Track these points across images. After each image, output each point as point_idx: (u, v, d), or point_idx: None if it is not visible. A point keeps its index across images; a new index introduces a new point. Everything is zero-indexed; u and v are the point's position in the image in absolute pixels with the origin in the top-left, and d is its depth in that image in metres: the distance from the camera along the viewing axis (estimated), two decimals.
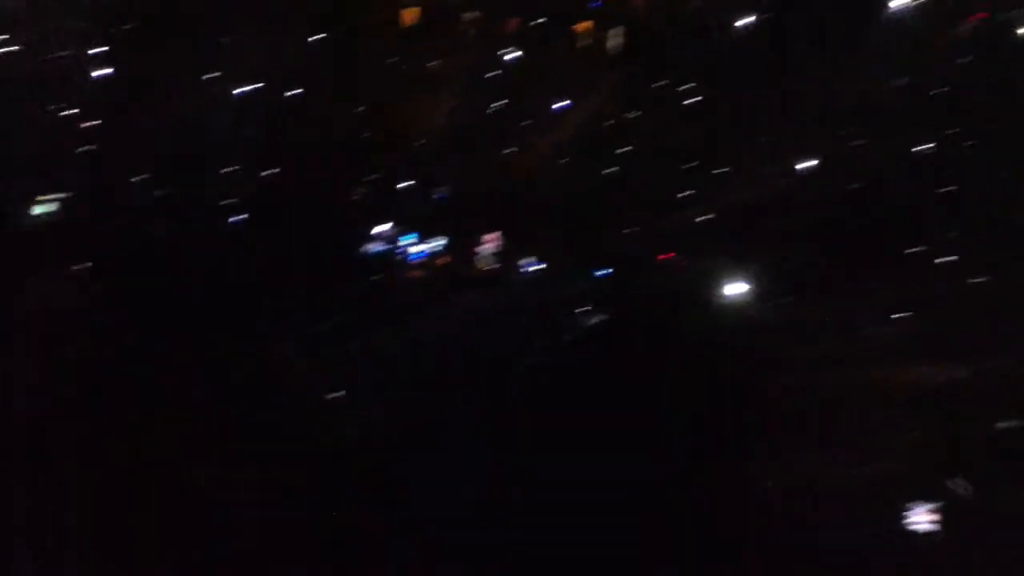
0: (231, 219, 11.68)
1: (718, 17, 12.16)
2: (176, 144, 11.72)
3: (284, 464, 10.38)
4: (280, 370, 10.91)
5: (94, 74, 12.06)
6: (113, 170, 11.68)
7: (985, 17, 11.64)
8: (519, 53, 12.35)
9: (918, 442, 10.29)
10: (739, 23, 12.06)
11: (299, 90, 12.03)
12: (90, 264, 11.18)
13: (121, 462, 10.23)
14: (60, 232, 11.38)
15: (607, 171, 11.96)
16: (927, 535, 10.00)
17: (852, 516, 10.08)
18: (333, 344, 11.11)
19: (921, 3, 11.71)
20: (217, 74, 11.97)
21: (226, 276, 11.41)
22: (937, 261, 10.91)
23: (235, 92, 12.03)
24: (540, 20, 12.35)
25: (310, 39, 12.10)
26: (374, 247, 12.02)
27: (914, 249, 10.96)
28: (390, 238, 12.04)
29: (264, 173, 11.78)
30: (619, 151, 11.87)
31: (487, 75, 12.38)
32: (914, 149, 11.33)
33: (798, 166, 11.48)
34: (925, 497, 10.07)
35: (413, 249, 12.06)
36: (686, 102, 12.05)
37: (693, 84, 12.00)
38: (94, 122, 11.81)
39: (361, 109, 12.13)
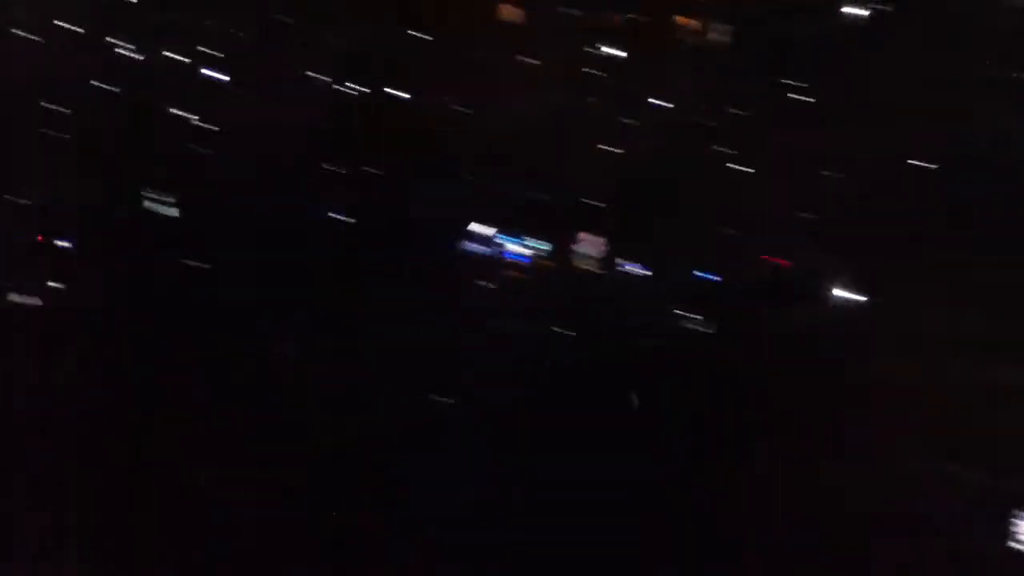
0: (332, 215, 11.70)
1: (826, 11, 11.79)
2: (278, 143, 11.76)
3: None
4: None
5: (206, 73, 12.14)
6: (222, 169, 11.76)
7: None
8: (620, 49, 12.13)
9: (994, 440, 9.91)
10: (847, 16, 11.68)
11: (405, 94, 11.99)
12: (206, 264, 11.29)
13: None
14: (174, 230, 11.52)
15: (709, 170, 11.68)
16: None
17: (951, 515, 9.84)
18: (419, 342, 11.06)
19: None
20: (324, 77, 11.97)
21: (329, 271, 11.37)
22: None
23: (335, 88, 12.02)
24: (642, 15, 12.10)
25: (409, 35, 12.02)
26: (471, 245, 11.92)
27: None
28: (487, 237, 11.92)
29: (365, 170, 11.76)
30: (722, 150, 11.58)
31: (587, 71, 12.18)
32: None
33: (909, 163, 11.09)
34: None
35: (510, 248, 11.94)
36: (792, 97, 11.70)
37: (800, 82, 11.65)
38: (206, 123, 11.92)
39: (460, 106, 12.02)
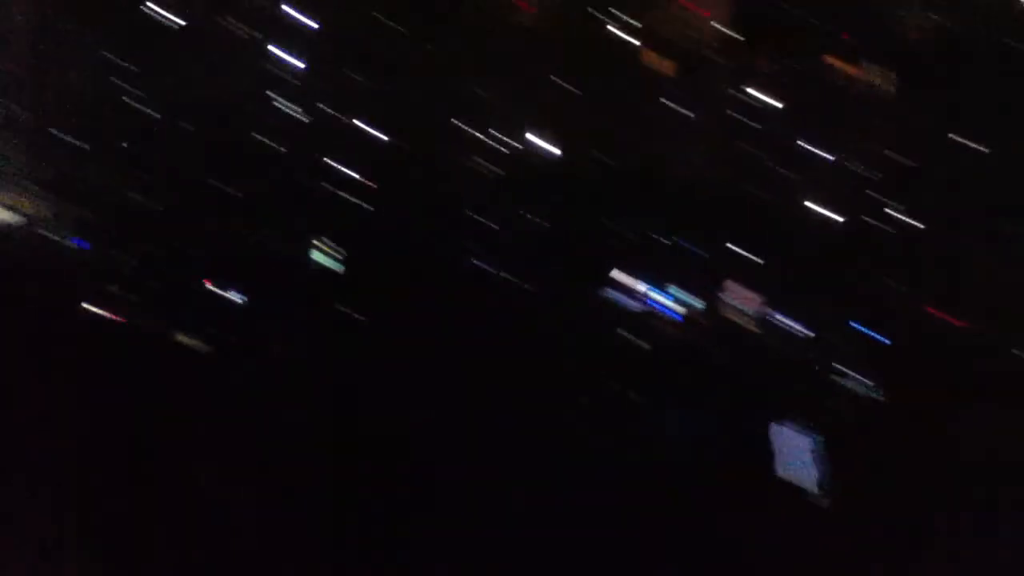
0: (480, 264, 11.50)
1: (1001, 55, 11.20)
2: (430, 196, 11.62)
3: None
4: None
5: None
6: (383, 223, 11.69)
7: None
8: (780, 99, 11.68)
9: None
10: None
11: (557, 151, 11.74)
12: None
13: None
14: None
15: (875, 224, 11.16)
16: None
17: None
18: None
19: None
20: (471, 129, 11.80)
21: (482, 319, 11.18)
22: None
23: (480, 139, 11.82)
24: (803, 61, 11.64)
25: (566, 86, 11.76)
26: (623, 300, 11.56)
27: None
28: (640, 292, 11.56)
29: (522, 218, 11.53)
30: (894, 204, 11.05)
31: (747, 121, 11.75)
32: None
33: None
34: None
35: (664, 304, 11.55)
36: (964, 147, 11.13)
37: (973, 131, 11.07)
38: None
39: (615, 159, 11.70)
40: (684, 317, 11.45)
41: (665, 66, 11.99)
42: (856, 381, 10.75)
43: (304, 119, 11.55)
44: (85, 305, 10.88)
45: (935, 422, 10.35)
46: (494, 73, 11.57)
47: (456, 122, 11.69)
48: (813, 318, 11.20)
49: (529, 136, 11.71)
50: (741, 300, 11.43)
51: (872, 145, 11.28)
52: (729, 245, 11.50)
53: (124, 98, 11.52)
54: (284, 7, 11.76)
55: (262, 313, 11.23)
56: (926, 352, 10.65)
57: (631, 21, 11.84)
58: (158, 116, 11.58)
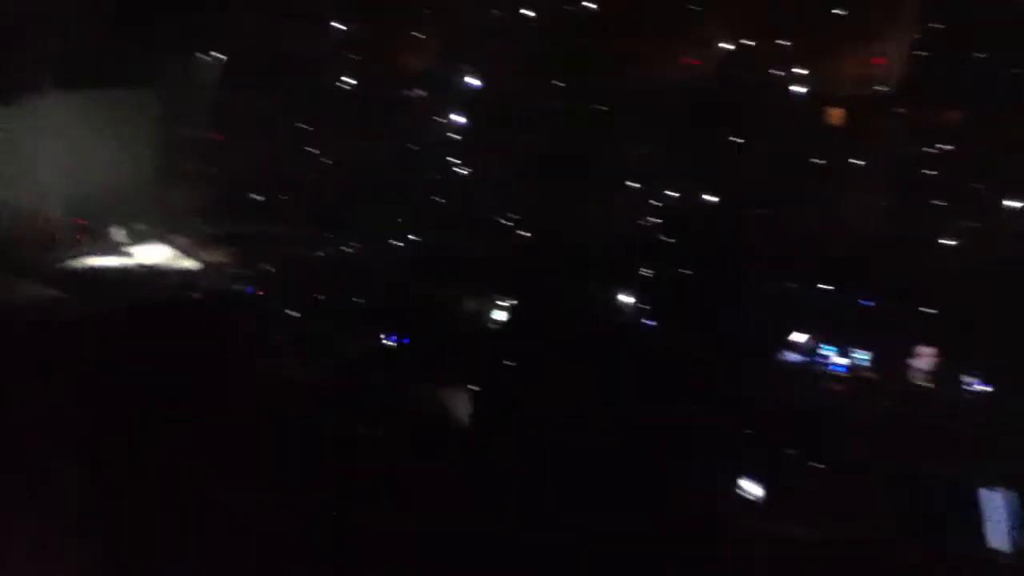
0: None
1: None
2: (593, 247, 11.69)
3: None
4: None
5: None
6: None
7: None
8: (953, 146, 11.20)
9: None
10: None
11: (714, 198, 11.62)
12: None
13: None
14: None
15: None
16: None
17: None
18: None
19: None
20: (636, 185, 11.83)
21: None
22: None
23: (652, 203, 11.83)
24: (977, 107, 11.14)
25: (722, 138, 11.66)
26: (790, 356, 11.20)
27: None
28: (808, 347, 11.18)
29: (681, 271, 11.44)
30: None
31: (921, 170, 11.31)
32: None
33: None
34: None
35: (833, 360, 11.12)
36: None
37: None
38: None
39: (772, 211, 11.46)
40: (851, 370, 11.02)
41: (836, 116, 11.73)
42: None
43: (466, 174, 11.88)
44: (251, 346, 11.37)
45: None
46: (652, 126, 11.58)
47: (616, 174, 11.78)
48: (993, 375, 10.56)
49: (687, 188, 11.65)
50: (916, 355, 10.90)
51: None
52: (901, 297, 11.02)
53: (300, 157, 12.17)
54: (450, 71, 12.21)
55: (429, 361, 11.45)
56: None
57: (800, 71, 11.67)
58: (333, 175, 12.15)
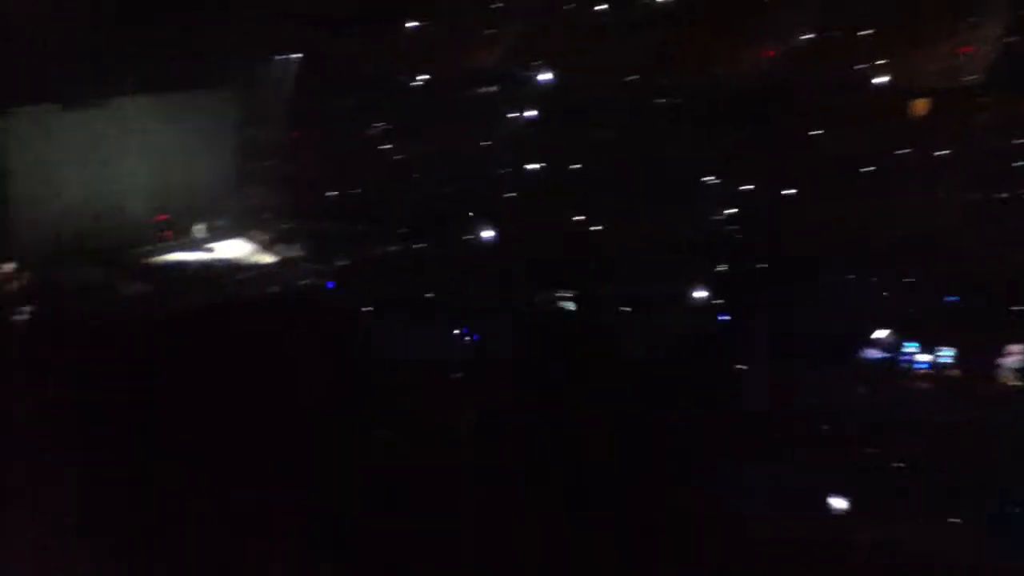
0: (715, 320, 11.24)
1: None
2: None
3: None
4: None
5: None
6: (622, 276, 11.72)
7: None
8: None
9: None
10: None
11: (791, 189, 11.41)
12: None
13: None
14: None
15: None
16: None
17: None
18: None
19: None
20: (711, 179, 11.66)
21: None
22: None
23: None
24: None
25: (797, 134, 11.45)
26: (872, 352, 10.95)
27: None
28: (891, 344, 10.91)
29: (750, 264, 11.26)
30: None
31: (1007, 163, 10.98)
32: None
33: None
34: None
35: (917, 358, 10.84)
36: None
37: None
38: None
39: (857, 204, 11.22)
40: (935, 367, 10.73)
41: (921, 108, 11.45)
42: None
43: (539, 170, 11.82)
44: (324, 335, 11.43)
45: None
46: (718, 123, 11.43)
47: (685, 173, 11.64)
48: None
49: (757, 187, 11.48)
50: (1005, 354, 10.57)
51: None
52: (988, 295, 10.71)
53: (376, 155, 12.21)
54: (522, 68, 12.15)
55: (493, 356, 11.41)
56: None
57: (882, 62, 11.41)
58: (407, 172, 12.18)
